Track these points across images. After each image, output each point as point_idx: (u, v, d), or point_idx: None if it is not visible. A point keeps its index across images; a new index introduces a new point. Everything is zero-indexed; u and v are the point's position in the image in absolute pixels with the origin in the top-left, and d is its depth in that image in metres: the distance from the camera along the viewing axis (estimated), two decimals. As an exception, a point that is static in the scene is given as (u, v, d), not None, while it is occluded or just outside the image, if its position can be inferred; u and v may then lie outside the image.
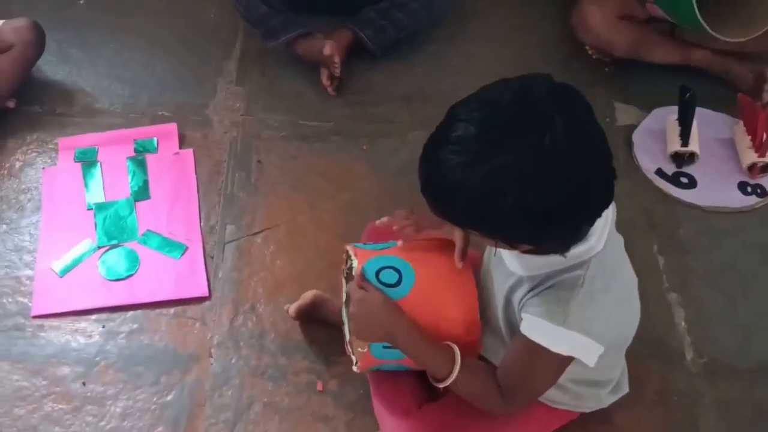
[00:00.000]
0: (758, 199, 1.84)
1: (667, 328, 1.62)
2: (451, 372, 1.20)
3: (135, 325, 1.66)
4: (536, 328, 1.14)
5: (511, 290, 1.22)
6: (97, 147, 1.95)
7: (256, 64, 2.14)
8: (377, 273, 1.24)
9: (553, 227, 1.00)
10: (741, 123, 1.92)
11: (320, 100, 2.06)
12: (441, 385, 1.23)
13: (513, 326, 1.25)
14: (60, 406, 1.54)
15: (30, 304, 1.68)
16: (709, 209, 1.83)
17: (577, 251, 1.11)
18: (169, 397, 1.56)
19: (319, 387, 1.56)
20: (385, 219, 1.34)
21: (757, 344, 1.60)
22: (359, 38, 2.06)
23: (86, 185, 1.88)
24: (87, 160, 1.92)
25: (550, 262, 1.13)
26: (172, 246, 1.77)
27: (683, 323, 1.63)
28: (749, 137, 1.88)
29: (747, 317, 1.65)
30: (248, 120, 2.02)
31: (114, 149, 1.95)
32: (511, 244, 1.07)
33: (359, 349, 1.28)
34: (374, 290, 1.22)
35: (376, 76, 2.11)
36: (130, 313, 1.68)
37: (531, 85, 0.99)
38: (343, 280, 1.39)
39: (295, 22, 2.05)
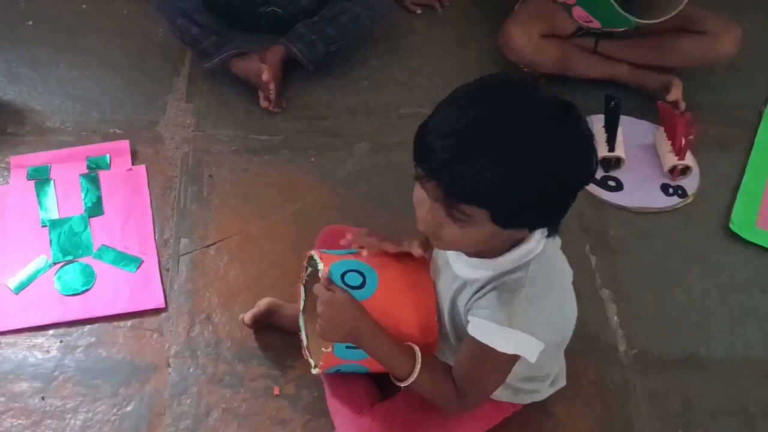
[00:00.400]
0: (680, 200, 1.88)
1: (601, 323, 1.63)
2: (412, 371, 1.19)
3: (92, 339, 1.60)
4: (482, 329, 1.14)
5: (456, 294, 1.22)
6: (49, 165, 1.88)
7: (205, 81, 2.09)
8: (342, 275, 1.22)
9: (554, 210, 1.08)
10: (662, 129, 1.96)
11: (268, 115, 2.02)
12: (402, 384, 1.21)
13: (459, 329, 1.24)
14: (19, 422, 1.48)
15: (-14, 321, 1.61)
16: (635, 210, 1.85)
17: (518, 253, 1.13)
18: (129, 408, 1.50)
19: (276, 392, 1.53)
20: (349, 236, 1.31)
21: (683, 336, 1.63)
22: (291, 53, 2.03)
23: (40, 202, 1.80)
24: (40, 178, 1.85)
25: (493, 263, 1.14)
26: (127, 260, 1.72)
27: (616, 318, 1.65)
28: (669, 142, 1.91)
29: (674, 311, 1.67)
30: (199, 135, 1.98)
31: (67, 167, 1.88)
32: (513, 226, 1.07)
33: (323, 349, 1.26)
34: (341, 291, 1.19)
35: (322, 90, 2.08)
36: (87, 326, 1.62)
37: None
38: (302, 287, 1.36)
39: (227, 43, 2.01)
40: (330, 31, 2.03)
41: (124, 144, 1.94)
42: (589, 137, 1.04)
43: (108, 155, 1.91)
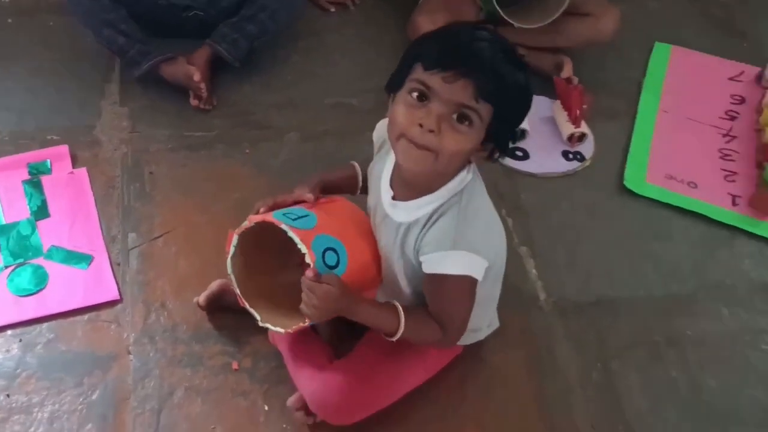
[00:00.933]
0: (579, 164, 1.95)
1: (522, 277, 1.69)
2: (399, 324, 1.23)
3: (51, 335, 1.54)
4: (433, 262, 1.19)
5: (403, 241, 1.25)
6: (-10, 174, 1.80)
7: (137, 85, 2.03)
8: (323, 257, 1.22)
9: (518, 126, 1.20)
10: (558, 102, 2.03)
11: (201, 113, 1.99)
12: (394, 338, 1.25)
13: (416, 279, 1.28)
14: (-14, 420, 1.42)
15: (-58, 327, 1.53)
16: (541, 175, 1.91)
17: (453, 184, 1.20)
18: (94, 396, 1.46)
19: (234, 366, 1.51)
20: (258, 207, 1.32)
21: (594, 283, 1.70)
22: (217, 52, 2.00)
23: (-16, 211, 1.73)
24: (-18, 187, 1.77)
25: (430, 198, 1.20)
26: (78, 258, 1.66)
27: (534, 271, 1.71)
28: (566, 113, 1.98)
29: (583, 261, 1.74)
30: (136, 136, 1.92)
31: (8, 174, 1.80)
32: (501, 133, 1.16)
33: (302, 324, 1.24)
34: (332, 280, 1.19)
35: (250, 87, 2.06)
36: (45, 324, 1.56)
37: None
38: (235, 236, 1.31)
39: (153, 50, 1.96)
40: (251, 28, 2.01)
41: (63, 149, 1.86)
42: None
43: (48, 160, 1.84)
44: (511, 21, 1.95)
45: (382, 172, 1.31)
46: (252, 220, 1.27)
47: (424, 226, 1.22)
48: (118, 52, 1.98)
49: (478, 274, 1.21)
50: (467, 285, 1.23)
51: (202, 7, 2.05)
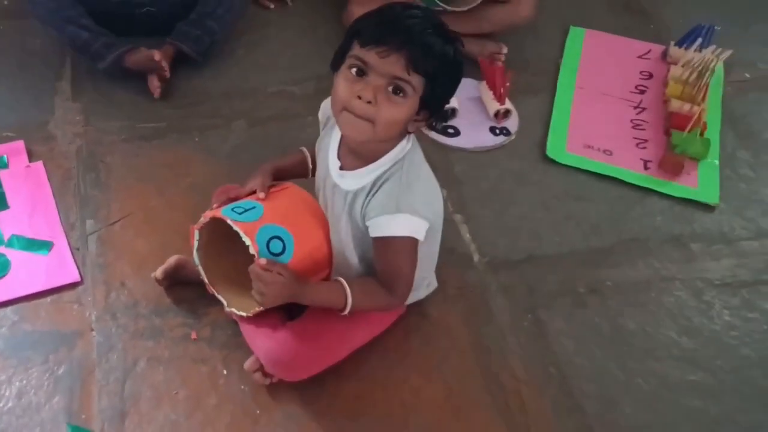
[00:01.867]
0: (505, 138, 2.01)
1: (457, 240, 1.73)
2: (346, 299, 1.28)
3: (16, 317, 1.54)
4: (379, 225, 1.24)
5: (351, 207, 1.29)
6: (-52, 170, 1.77)
7: (87, 81, 2.02)
8: (267, 245, 1.25)
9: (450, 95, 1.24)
10: (484, 82, 2.08)
11: (151, 105, 1.98)
12: (345, 312, 1.30)
13: (362, 239, 1.32)
14: (-45, 399, 1.41)
15: None
16: (471, 150, 1.97)
17: (395, 152, 1.25)
18: (60, 371, 1.46)
19: (193, 336, 1.53)
20: (215, 206, 1.38)
21: (522, 242, 1.76)
22: (180, 49, 2.00)
23: (-54, 206, 1.70)
24: (-60, 183, 1.74)
25: (374, 166, 1.24)
26: (38, 245, 1.65)
27: (468, 235, 1.76)
28: (491, 92, 2.04)
29: (512, 223, 1.80)
30: (89, 130, 1.91)
31: (-35, 170, 1.78)
32: (434, 102, 1.21)
33: (257, 308, 1.30)
34: (278, 268, 1.22)
35: (197, 80, 2.06)
36: (9, 308, 1.55)
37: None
38: (196, 231, 1.37)
39: (116, 42, 1.96)
40: (211, 24, 2.02)
41: (19, 144, 1.84)
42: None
43: (5, 156, 1.81)
44: (443, 5, 1.99)
45: (330, 145, 1.35)
46: (206, 216, 1.33)
47: (369, 192, 1.26)
48: (82, 47, 1.95)
49: (419, 235, 1.26)
50: (409, 245, 1.28)
51: (155, 3, 2.04)
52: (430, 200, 1.32)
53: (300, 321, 1.43)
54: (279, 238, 1.29)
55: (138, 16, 2.03)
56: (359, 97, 1.16)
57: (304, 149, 1.49)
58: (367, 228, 1.28)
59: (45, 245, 1.65)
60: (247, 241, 1.25)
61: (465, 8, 2.03)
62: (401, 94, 1.17)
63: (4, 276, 1.59)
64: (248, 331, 1.45)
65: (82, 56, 2.00)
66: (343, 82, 1.19)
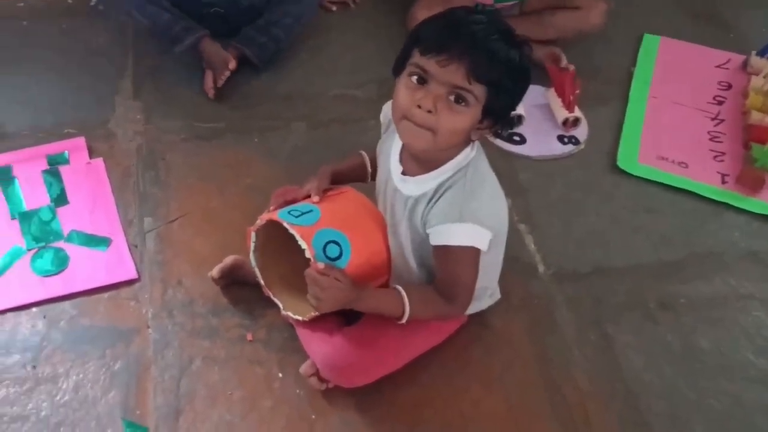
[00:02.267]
0: (574, 147, 2.05)
1: (521, 249, 1.77)
2: (404, 308, 1.32)
3: (75, 312, 1.62)
4: (440, 234, 1.27)
5: (411, 212, 1.33)
6: (11, 165, 1.88)
7: (148, 80, 2.14)
8: (324, 250, 1.30)
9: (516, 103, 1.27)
10: (552, 89, 2.13)
11: (212, 105, 2.08)
12: (403, 321, 1.34)
13: (421, 245, 1.36)
14: (14, 390, 1.49)
15: (-32, 306, 1.61)
16: (538, 158, 2.01)
17: (458, 159, 1.27)
18: (117, 366, 1.54)
19: (249, 337, 1.59)
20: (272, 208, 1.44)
21: (589, 253, 1.78)
22: (245, 54, 2.11)
23: (6, 199, 1.81)
24: (3, 178, 1.85)
25: (437, 173, 1.28)
26: (97, 241, 1.75)
27: (533, 245, 1.79)
28: (560, 99, 2.08)
29: (579, 234, 1.83)
30: (149, 128, 2.02)
31: (28, 165, 1.89)
32: (499, 110, 1.24)
33: (313, 313, 1.35)
34: (334, 273, 1.27)
35: (257, 81, 2.15)
36: (68, 302, 1.64)
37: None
38: (253, 233, 1.43)
39: (195, 27, 2.07)
40: (277, 32, 2.13)
41: (80, 141, 1.96)
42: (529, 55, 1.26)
43: (66, 152, 1.93)
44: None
45: (391, 149, 1.40)
46: (263, 218, 1.39)
47: (431, 199, 1.30)
48: (162, 28, 2.07)
49: (482, 245, 1.29)
50: (472, 255, 1.31)
51: (223, 4, 2.15)
52: (494, 209, 1.34)
53: (357, 326, 1.47)
54: (336, 242, 1.34)
55: (206, 16, 2.14)
56: (419, 106, 1.20)
57: (363, 153, 1.55)
58: (427, 235, 1.32)
59: (103, 241, 1.75)
60: (303, 244, 1.30)
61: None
62: (463, 104, 1.19)
63: (63, 270, 1.69)
64: (304, 335, 1.50)
65: (160, 37, 2.11)
66: (404, 90, 1.22)
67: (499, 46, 1.17)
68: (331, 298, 1.28)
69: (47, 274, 1.67)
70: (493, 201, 1.34)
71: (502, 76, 1.18)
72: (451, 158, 1.29)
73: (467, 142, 1.30)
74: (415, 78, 1.21)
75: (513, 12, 2.24)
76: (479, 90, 1.18)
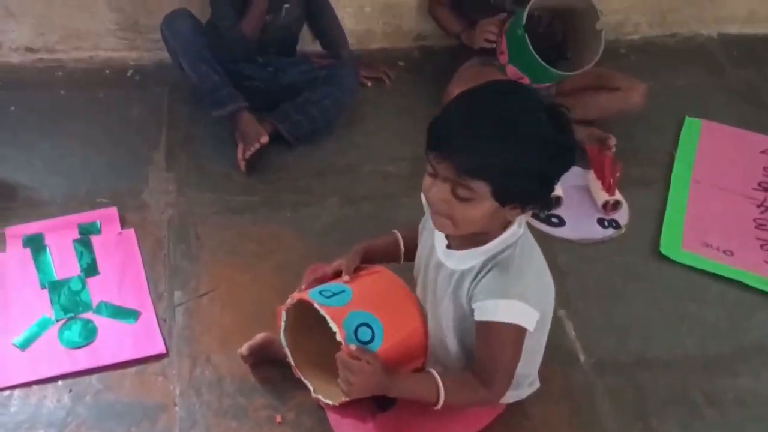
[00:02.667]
0: (614, 231, 2.11)
1: (561, 337, 1.81)
2: (438, 394, 1.36)
3: (100, 386, 1.68)
4: (485, 309, 1.32)
5: (457, 287, 1.38)
6: (43, 233, 1.98)
7: (182, 152, 2.26)
8: (355, 333, 1.36)
9: (545, 187, 1.29)
10: (591, 171, 2.21)
11: (244, 179, 2.19)
12: (437, 407, 1.37)
13: (463, 322, 1.41)
14: (38, 466, 1.55)
15: (-4, 377, 1.67)
16: (577, 241, 2.07)
17: (505, 236, 1.33)
18: (142, 445, 1.59)
19: (278, 419, 1.63)
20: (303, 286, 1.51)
21: (632, 342, 1.83)
22: (278, 130, 2.23)
23: (37, 268, 1.90)
24: (35, 246, 1.95)
25: (484, 249, 1.34)
26: (126, 313, 1.82)
27: (573, 332, 1.84)
28: (599, 182, 2.16)
29: (621, 322, 1.87)
30: (182, 200, 2.12)
31: (59, 234, 1.99)
32: (511, 200, 1.26)
33: (344, 399, 1.40)
34: (366, 357, 1.32)
35: (292, 156, 2.26)
36: (95, 376, 1.70)
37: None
38: (283, 312, 1.49)
39: (238, 96, 2.19)
40: (314, 112, 2.25)
41: (113, 211, 2.06)
42: (571, 132, 1.27)
43: (98, 221, 2.03)
44: (557, 71, 2.17)
45: None
46: (294, 298, 1.46)
47: (478, 273, 1.35)
48: (208, 89, 2.18)
49: (528, 324, 1.33)
50: (516, 334, 1.35)
51: (264, 79, 2.29)
52: (541, 289, 1.40)
53: (391, 413, 1.50)
54: (368, 325, 1.39)
55: (245, 89, 2.25)
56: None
57: (397, 232, 1.61)
58: (472, 311, 1.37)
59: (132, 314, 1.82)
60: (334, 327, 1.35)
61: (572, 73, 2.18)
62: (467, 197, 1.26)
63: (91, 342, 1.76)
64: (335, 420, 1.53)
65: (203, 98, 2.22)
66: (426, 179, 1.31)
67: (490, 143, 1.21)
68: (362, 384, 1.32)
69: (75, 347, 1.74)
70: (540, 280, 1.39)
71: (497, 170, 1.22)
72: (496, 236, 1.35)
73: (505, 221, 1.34)
74: (429, 170, 1.29)
75: (550, 92, 2.35)
76: (477, 184, 1.24)
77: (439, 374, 1.38)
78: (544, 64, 2.15)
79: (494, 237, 1.35)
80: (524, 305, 1.32)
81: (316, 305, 1.38)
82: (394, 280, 1.52)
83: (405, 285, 1.52)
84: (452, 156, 1.23)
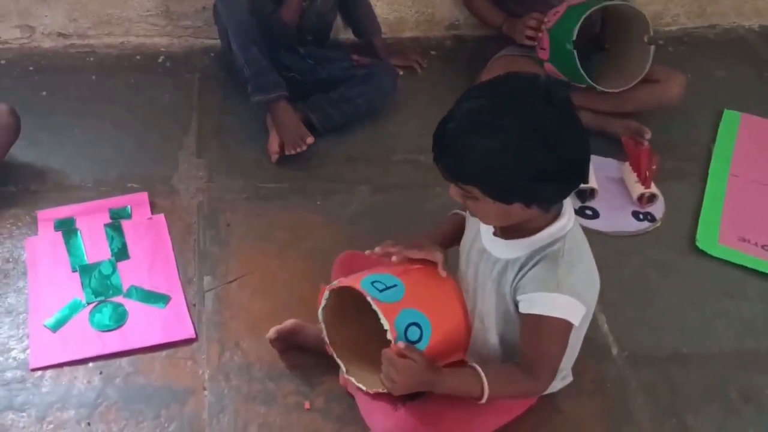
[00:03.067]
0: (649, 224, 2.10)
1: (594, 330, 1.79)
2: (482, 388, 1.36)
3: (131, 369, 1.71)
4: (534, 302, 1.32)
5: (500, 276, 1.38)
6: (74, 217, 2.02)
7: (212, 138, 2.28)
8: (405, 332, 1.37)
9: (542, 185, 1.22)
10: (627, 164, 2.20)
11: (274, 166, 2.21)
12: (482, 402, 1.38)
13: (506, 314, 1.41)
14: (68, 447, 1.57)
15: (28, 358, 1.70)
16: (611, 234, 2.06)
17: (553, 229, 1.32)
18: (171, 428, 1.61)
19: (307, 406, 1.65)
20: (377, 249, 1.48)
21: (666, 337, 1.82)
22: (309, 119, 2.24)
23: (69, 251, 1.93)
24: (66, 230, 1.98)
25: (531, 241, 1.32)
26: (156, 297, 1.85)
27: (605, 326, 1.83)
28: (635, 174, 2.15)
29: (656, 317, 1.86)
30: (212, 186, 2.14)
31: (90, 218, 2.02)
32: (507, 200, 1.25)
33: (380, 390, 1.42)
34: (413, 355, 1.33)
35: (322, 143, 2.27)
36: (125, 358, 1.72)
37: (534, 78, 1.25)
38: (327, 292, 1.48)
39: (283, 84, 2.19)
40: (347, 108, 2.28)
41: (143, 196, 2.09)
42: (573, 115, 1.23)
43: (129, 206, 2.06)
44: (596, 86, 2.16)
45: None
46: (342, 282, 1.45)
47: (525, 265, 1.35)
48: (255, 73, 2.17)
49: (575, 319, 1.34)
50: (564, 329, 1.35)
51: (302, 71, 2.31)
52: (590, 285, 1.40)
53: (422, 402, 1.50)
54: (417, 324, 1.39)
55: (282, 77, 2.23)
56: None
57: (460, 212, 1.59)
58: (515, 303, 1.37)
59: (162, 298, 1.84)
60: (386, 324, 1.36)
61: (616, 90, 2.17)
62: (469, 196, 1.28)
63: (121, 326, 1.79)
64: (365, 405, 1.53)
65: (247, 81, 2.20)
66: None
67: (473, 142, 1.20)
68: (406, 382, 1.33)
69: (106, 329, 1.77)
70: (589, 275, 1.40)
71: (480, 174, 1.23)
72: (543, 227, 1.33)
73: (548, 212, 1.32)
74: None
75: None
76: (469, 187, 1.26)
77: (482, 368, 1.38)
78: (591, 81, 2.15)
79: (542, 229, 1.34)
80: (575, 300, 1.32)
81: (369, 298, 1.38)
82: (443, 277, 1.50)
83: (451, 279, 1.51)
84: (440, 160, 1.27)
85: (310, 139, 2.16)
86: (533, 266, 1.33)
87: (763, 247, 2.04)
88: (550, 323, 1.32)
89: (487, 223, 1.36)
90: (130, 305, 1.83)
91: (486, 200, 1.26)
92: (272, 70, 2.19)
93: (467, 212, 1.53)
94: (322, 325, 1.52)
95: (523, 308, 1.34)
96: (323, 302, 1.50)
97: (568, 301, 1.31)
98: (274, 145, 2.20)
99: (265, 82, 2.18)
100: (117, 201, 2.07)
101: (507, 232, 1.38)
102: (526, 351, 1.39)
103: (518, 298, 1.35)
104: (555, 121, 1.20)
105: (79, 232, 1.98)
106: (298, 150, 2.16)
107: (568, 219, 1.35)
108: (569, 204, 1.36)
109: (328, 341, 1.52)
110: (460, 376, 1.40)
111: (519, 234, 1.35)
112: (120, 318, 1.80)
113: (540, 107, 1.20)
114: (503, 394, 1.42)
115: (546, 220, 1.33)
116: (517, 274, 1.35)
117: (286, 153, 2.18)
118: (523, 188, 1.23)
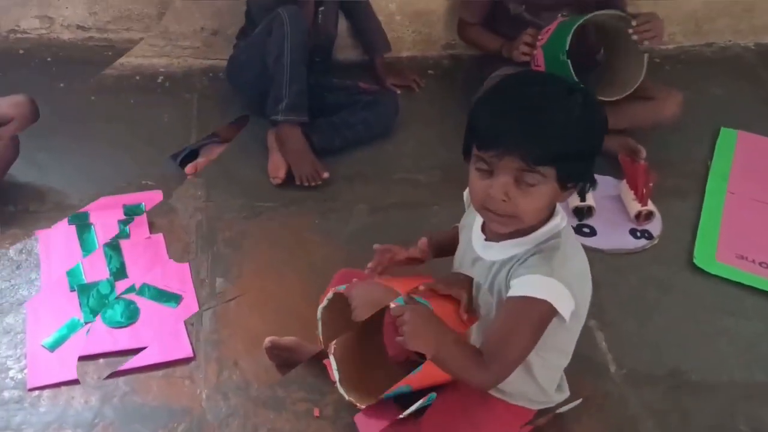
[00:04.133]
0: (647, 241, 2.11)
1: (592, 348, 1.81)
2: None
3: (127, 389, 1.71)
4: (522, 284, 1.29)
5: (494, 277, 1.38)
6: (88, 212, 2.08)
7: (211, 157, 2.31)
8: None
9: (592, 164, 1.32)
10: (624, 181, 2.21)
11: (272, 185, 2.22)
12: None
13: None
14: (64, 467, 1.57)
15: (26, 378, 1.70)
16: (609, 252, 2.07)
17: (550, 226, 1.35)
18: (168, 449, 1.62)
19: (316, 413, 1.66)
20: (371, 264, 1.52)
21: (666, 355, 1.82)
22: (308, 138, 2.25)
23: (82, 246, 2.00)
24: (80, 223, 2.04)
25: (526, 240, 1.34)
26: (168, 296, 1.89)
27: (604, 343, 1.84)
28: (632, 192, 2.16)
29: (653, 334, 1.87)
30: (210, 205, 2.16)
31: (105, 213, 2.09)
32: (579, 179, 1.31)
33: (373, 401, 1.44)
34: (421, 305, 1.34)
35: (320, 163, 2.26)
36: (122, 378, 1.72)
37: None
38: (331, 293, 1.51)
39: (301, 108, 2.21)
40: (348, 133, 2.32)
41: (158, 194, 2.15)
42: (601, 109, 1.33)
43: (143, 203, 2.11)
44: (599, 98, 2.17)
45: (474, 222, 1.47)
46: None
47: (519, 259, 1.34)
48: (295, 91, 2.18)
49: (561, 308, 1.28)
50: (544, 314, 1.29)
51: (310, 97, 2.29)
52: (583, 281, 1.39)
53: (423, 420, 1.51)
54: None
55: None
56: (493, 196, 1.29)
57: (458, 225, 1.59)
58: (508, 289, 1.33)
59: (174, 298, 1.89)
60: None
61: (612, 98, 2.19)
62: (533, 185, 1.27)
63: (133, 323, 1.82)
64: (363, 419, 1.54)
65: (277, 98, 2.19)
66: (475, 180, 1.31)
67: (553, 123, 1.23)
68: (414, 327, 1.26)
69: (118, 326, 1.81)
70: (582, 272, 1.39)
71: (565, 149, 1.24)
72: (539, 226, 1.35)
73: (551, 210, 1.35)
74: (481, 167, 1.29)
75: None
76: (546, 168, 1.25)
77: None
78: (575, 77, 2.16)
79: (537, 228, 1.35)
80: (564, 289, 1.29)
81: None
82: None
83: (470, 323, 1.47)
84: (520, 148, 1.23)
85: (325, 175, 2.19)
86: (530, 256, 1.33)
87: (760, 264, 2.05)
88: (531, 304, 1.28)
89: (524, 221, 1.31)
90: (142, 303, 1.86)
91: (547, 187, 1.26)
92: (306, 94, 2.21)
93: (462, 223, 1.54)
94: (319, 323, 1.53)
95: (512, 291, 1.31)
96: (325, 302, 1.52)
97: (558, 286, 1.28)
98: (280, 171, 2.21)
99: (301, 104, 2.20)
100: (132, 198, 2.13)
101: (503, 235, 1.37)
102: (491, 336, 1.33)
103: (511, 283, 1.32)
104: (593, 109, 1.29)
105: (93, 226, 2.05)
106: (312, 184, 2.19)
107: (561, 218, 1.37)
108: (559, 204, 1.38)
109: (321, 339, 1.53)
110: (461, 344, 1.33)
111: (515, 234, 1.35)
112: (132, 315, 1.83)
113: (580, 97, 1.28)
114: (452, 365, 1.31)
115: (541, 219, 1.35)
116: (511, 268, 1.34)
117: (298, 183, 2.19)
118: (588, 166, 1.31)
